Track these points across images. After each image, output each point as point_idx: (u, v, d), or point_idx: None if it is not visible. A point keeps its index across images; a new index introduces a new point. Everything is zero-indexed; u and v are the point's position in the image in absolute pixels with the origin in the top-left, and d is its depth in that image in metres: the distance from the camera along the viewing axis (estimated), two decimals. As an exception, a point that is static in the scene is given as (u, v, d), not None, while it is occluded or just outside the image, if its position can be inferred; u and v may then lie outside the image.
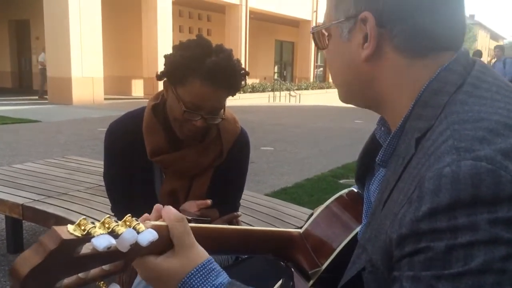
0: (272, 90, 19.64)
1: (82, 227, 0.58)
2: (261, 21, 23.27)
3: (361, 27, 0.71)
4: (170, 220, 0.72)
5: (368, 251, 0.67)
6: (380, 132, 0.82)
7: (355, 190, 1.02)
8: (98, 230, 0.59)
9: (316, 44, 0.82)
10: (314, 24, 21.81)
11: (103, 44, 13.86)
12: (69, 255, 0.58)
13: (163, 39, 15.45)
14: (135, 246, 0.63)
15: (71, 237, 0.57)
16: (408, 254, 0.57)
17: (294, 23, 24.08)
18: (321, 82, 23.81)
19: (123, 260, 0.66)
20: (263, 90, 19.07)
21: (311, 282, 0.92)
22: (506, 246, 0.52)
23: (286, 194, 4.76)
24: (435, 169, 0.57)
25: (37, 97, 14.69)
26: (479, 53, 12.85)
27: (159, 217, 0.75)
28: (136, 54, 17.06)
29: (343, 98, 0.82)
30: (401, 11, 0.68)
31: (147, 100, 1.64)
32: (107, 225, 0.61)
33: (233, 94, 1.47)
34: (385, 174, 0.74)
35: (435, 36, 0.69)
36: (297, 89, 21.14)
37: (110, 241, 0.59)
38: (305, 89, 21.57)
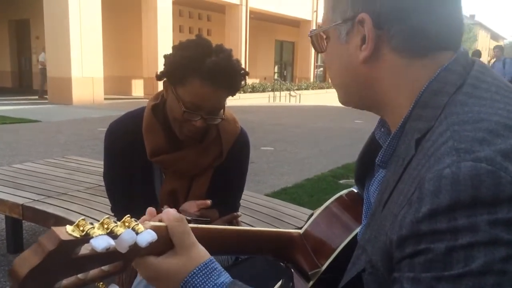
0: (272, 90, 19.63)
1: (81, 228, 0.58)
2: (261, 21, 23.27)
3: (359, 29, 0.71)
4: (169, 220, 0.72)
5: (368, 252, 0.67)
6: (380, 133, 0.82)
7: (355, 191, 1.02)
8: (97, 231, 0.59)
9: (314, 47, 0.82)
10: (314, 24, 21.86)
11: (103, 44, 13.86)
12: (68, 256, 0.58)
13: (163, 39, 15.45)
14: (134, 247, 0.63)
15: (70, 238, 0.57)
16: (408, 256, 0.57)
17: (294, 23, 24.08)
18: (321, 82, 23.81)
19: (122, 260, 0.66)
20: (263, 90, 19.06)
21: (311, 282, 0.92)
22: (506, 247, 0.52)
23: (286, 194, 4.76)
24: (435, 170, 0.57)
25: (37, 97, 14.69)
26: (478, 53, 12.85)
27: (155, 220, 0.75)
28: (136, 54, 17.06)
29: (343, 100, 0.81)
30: (398, 12, 0.68)
31: (147, 100, 1.64)
32: (106, 226, 0.61)
33: (233, 94, 1.47)
34: (385, 175, 0.74)
35: (433, 36, 0.69)
36: (297, 89, 21.13)
37: (109, 242, 0.59)
38: (305, 89, 21.56)
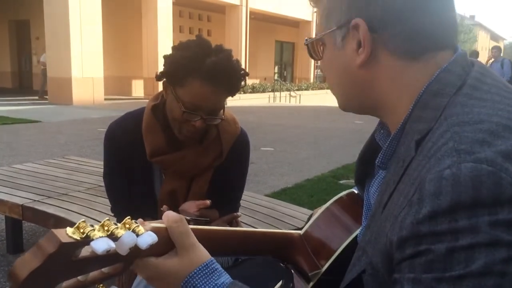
0: (272, 91, 19.62)
1: (81, 230, 0.58)
2: (261, 21, 23.26)
3: (354, 33, 0.71)
4: (169, 221, 0.72)
5: (368, 253, 0.67)
6: (380, 134, 0.82)
7: (355, 192, 1.02)
8: (97, 233, 0.59)
9: (311, 55, 0.82)
10: (314, 25, 21.83)
11: (103, 44, 13.85)
12: (68, 258, 0.58)
13: (164, 40, 15.45)
14: (135, 249, 0.63)
15: (70, 240, 0.56)
16: (409, 257, 0.57)
17: (294, 24, 24.08)
18: (321, 83, 23.79)
19: (123, 262, 0.66)
20: (263, 91, 19.05)
21: (311, 284, 0.92)
22: (507, 248, 0.52)
23: (286, 194, 4.76)
24: (436, 171, 0.57)
25: (37, 97, 14.68)
26: (475, 54, 12.87)
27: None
28: (136, 55, 17.06)
29: (342, 105, 0.82)
30: (392, 15, 0.69)
31: (147, 100, 1.64)
32: (106, 228, 0.61)
33: (232, 95, 1.47)
34: (385, 176, 0.74)
35: (429, 36, 0.69)
36: (297, 90, 21.12)
37: (109, 244, 0.59)
38: (305, 89, 21.55)
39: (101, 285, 0.66)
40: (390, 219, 0.62)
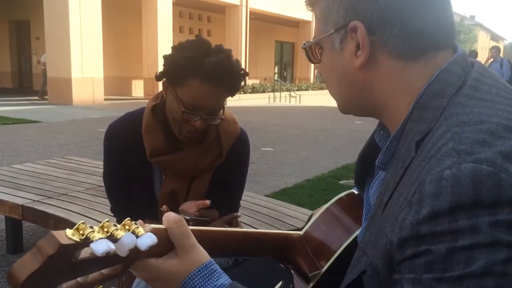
0: (273, 91, 19.63)
1: (81, 232, 0.58)
2: (261, 21, 23.27)
3: (352, 36, 0.71)
4: (168, 222, 0.72)
5: (368, 254, 0.67)
6: (380, 135, 0.82)
7: (355, 192, 1.02)
8: (96, 235, 0.59)
9: (309, 59, 0.82)
10: (314, 25, 21.83)
11: (103, 44, 13.86)
12: (68, 260, 0.58)
13: (164, 40, 15.45)
14: (134, 250, 0.63)
15: (70, 242, 0.56)
16: (409, 257, 0.57)
17: (294, 24, 24.08)
18: (321, 83, 23.77)
19: (122, 264, 0.66)
20: (263, 91, 19.06)
21: (311, 284, 0.92)
22: (507, 249, 0.52)
23: (286, 195, 4.76)
24: (436, 172, 0.57)
25: (37, 97, 14.68)
26: (474, 54, 12.87)
27: None
28: (136, 55, 17.06)
29: (342, 108, 0.82)
30: (390, 16, 0.68)
31: (147, 100, 1.64)
32: (106, 229, 0.60)
33: (232, 95, 1.46)
34: (384, 177, 0.74)
35: (428, 36, 0.69)
36: (297, 90, 21.12)
37: (109, 246, 0.59)
38: (305, 89, 21.56)
39: (100, 286, 0.66)
40: (390, 219, 0.62)
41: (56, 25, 13.03)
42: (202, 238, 0.75)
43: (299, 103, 19.94)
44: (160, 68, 1.48)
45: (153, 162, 1.54)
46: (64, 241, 0.56)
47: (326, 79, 0.81)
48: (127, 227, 0.63)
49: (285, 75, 28.55)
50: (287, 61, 29.09)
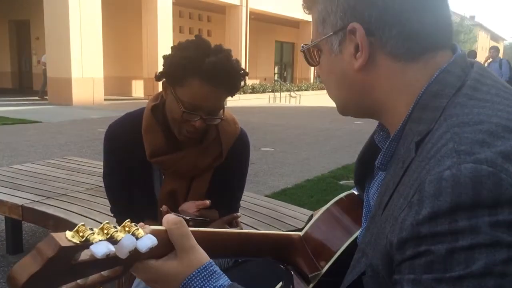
0: (273, 91, 19.63)
1: (81, 234, 0.58)
2: (261, 22, 23.27)
3: (351, 38, 0.71)
4: (168, 223, 0.72)
5: (368, 255, 0.67)
6: (379, 136, 0.82)
7: (355, 193, 1.02)
8: (96, 237, 0.59)
9: (307, 62, 0.82)
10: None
11: (103, 44, 13.85)
12: (68, 262, 0.58)
13: (164, 40, 15.45)
14: (134, 252, 0.63)
15: (70, 244, 0.56)
16: (409, 258, 0.57)
17: (294, 24, 24.08)
18: (321, 83, 23.81)
19: (122, 265, 0.66)
20: (263, 91, 19.06)
21: (311, 285, 0.92)
22: (507, 249, 0.52)
23: (286, 195, 4.76)
24: (435, 172, 0.57)
25: (37, 98, 14.68)
26: (473, 54, 12.87)
27: None
28: (136, 55, 17.06)
29: (341, 110, 0.82)
30: (388, 17, 0.68)
31: (147, 101, 1.64)
32: (105, 231, 0.60)
33: (232, 95, 1.47)
34: (384, 178, 0.74)
35: (427, 36, 0.69)
36: (297, 90, 21.13)
37: (108, 248, 0.59)
38: (305, 90, 21.56)
39: None
40: (390, 220, 0.62)
41: (56, 25, 13.03)
42: (202, 240, 0.75)
43: (299, 103, 19.94)
44: (160, 68, 1.48)
45: (153, 162, 1.54)
46: (64, 243, 0.56)
47: (325, 81, 0.81)
48: (127, 228, 0.63)
49: (285, 75, 28.54)
50: (287, 61, 29.09)
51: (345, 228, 0.96)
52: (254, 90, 18.37)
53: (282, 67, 28.94)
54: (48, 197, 2.74)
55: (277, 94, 19.72)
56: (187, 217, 1.36)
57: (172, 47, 1.45)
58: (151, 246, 0.64)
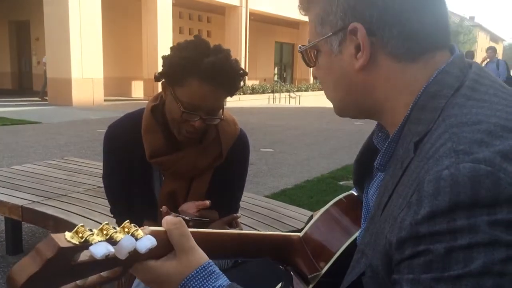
0: (272, 92, 19.63)
1: (80, 235, 0.58)
2: (261, 22, 23.28)
3: (351, 38, 0.71)
4: (168, 224, 0.72)
5: (368, 255, 0.67)
6: (378, 137, 0.82)
7: (355, 194, 1.02)
8: (96, 238, 0.59)
9: (305, 62, 0.82)
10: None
11: (103, 45, 13.86)
12: (67, 263, 0.58)
13: (163, 41, 15.46)
14: (134, 253, 0.63)
15: (69, 245, 0.56)
16: (408, 257, 0.57)
17: (294, 25, 24.09)
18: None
19: (122, 266, 0.66)
20: (263, 92, 19.06)
21: (311, 286, 0.92)
22: (506, 248, 0.52)
23: (286, 195, 4.76)
24: (434, 172, 0.57)
25: (37, 98, 14.68)
26: (470, 54, 12.88)
27: None
28: (136, 56, 17.07)
29: (338, 111, 0.81)
30: (387, 18, 0.69)
31: (147, 101, 1.64)
32: (105, 232, 0.60)
33: (231, 95, 1.47)
34: (383, 178, 0.74)
35: (425, 37, 0.69)
36: (297, 91, 21.13)
37: (108, 248, 0.59)
38: (305, 90, 21.56)
39: None
40: (389, 220, 0.62)
41: (56, 25, 13.03)
42: (202, 240, 0.75)
43: (299, 104, 19.95)
44: (160, 69, 1.48)
45: (152, 162, 1.54)
46: (63, 244, 0.56)
47: (322, 82, 0.81)
48: (126, 229, 0.63)
49: (284, 76, 28.54)
50: (287, 62, 29.10)
51: (344, 229, 0.96)
52: (253, 91, 18.38)
53: (282, 68, 28.95)
54: (48, 198, 2.74)
55: (277, 95, 19.73)
56: (187, 218, 1.36)
57: (171, 48, 1.45)
58: (150, 247, 0.64)
